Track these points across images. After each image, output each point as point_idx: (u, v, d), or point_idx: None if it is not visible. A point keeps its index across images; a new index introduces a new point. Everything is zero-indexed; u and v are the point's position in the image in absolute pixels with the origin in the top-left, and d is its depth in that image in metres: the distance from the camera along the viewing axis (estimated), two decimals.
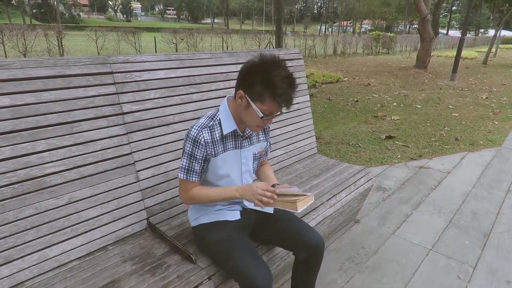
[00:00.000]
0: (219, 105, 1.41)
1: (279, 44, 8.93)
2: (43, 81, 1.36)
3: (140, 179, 1.65)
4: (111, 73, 1.56)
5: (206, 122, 1.35)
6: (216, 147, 1.35)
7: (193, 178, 1.37)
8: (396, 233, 2.52)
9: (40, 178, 1.36)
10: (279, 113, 1.29)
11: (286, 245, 1.55)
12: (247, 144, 1.44)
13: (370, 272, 2.10)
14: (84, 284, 1.32)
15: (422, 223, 2.66)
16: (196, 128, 1.32)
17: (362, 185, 2.35)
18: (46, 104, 1.36)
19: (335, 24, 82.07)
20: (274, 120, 1.37)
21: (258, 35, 18.18)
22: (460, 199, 3.06)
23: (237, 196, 1.34)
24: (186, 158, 1.35)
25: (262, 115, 1.25)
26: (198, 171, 1.36)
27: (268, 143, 1.59)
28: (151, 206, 1.70)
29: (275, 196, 1.28)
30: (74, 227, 1.45)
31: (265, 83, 1.21)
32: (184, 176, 1.36)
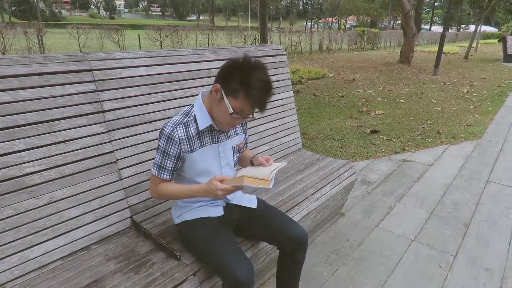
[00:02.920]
0: None
1: (264, 41, 8.92)
2: (19, 79, 1.33)
3: (122, 178, 1.64)
4: (90, 70, 1.53)
5: (180, 118, 1.35)
6: (192, 143, 1.35)
7: (164, 176, 1.37)
8: (380, 225, 2.56)
9: (19, 178, 1.33)
10: (250, 116, 1.30)
11: (270, 240, 1.57)
12: (224, 138, 1.45)
13: (355, 264, 2.14)
14: (67, 284, 1.31)
15: (405, 215, 2.72)
16: (171, 125, 1.32)
17: (346, 179, 2.39)
18: (23, 103, 1.34)
19: (321, 20, 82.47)
20: (258, 116, 1.37)
21: (243, 32, 18.12)
22: (441, 191, 3.14)
23: (200, 196, 1.35)
24: (159, 154, 1.35)
25: (232, 111, 1.25)
26: (170, 168, 1.36)
27: (246, 135, 1.59)
28: (134, 204, 1.69)
29: (233, 189, 1.28)
30: (56, 227, 1.43)
31: (242, 80, 1.22)
32: (156, 172, 1.37)
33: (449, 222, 2.64)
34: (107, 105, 1.58)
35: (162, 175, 1.37)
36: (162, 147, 1.34)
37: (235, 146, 1.50)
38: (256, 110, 1.28)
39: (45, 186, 1.40)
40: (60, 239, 1.45)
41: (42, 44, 12.72)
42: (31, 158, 1.36)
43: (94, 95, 1.54)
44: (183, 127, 1.33)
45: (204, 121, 1.35)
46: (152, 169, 1.38)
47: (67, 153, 1.45)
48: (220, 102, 1.28)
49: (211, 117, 1.36)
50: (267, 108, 1.29)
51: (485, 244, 2.37)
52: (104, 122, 1.57)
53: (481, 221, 2.65)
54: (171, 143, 1.32)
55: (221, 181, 1.27)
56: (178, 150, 1.33)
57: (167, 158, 1.34)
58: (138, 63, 1.72)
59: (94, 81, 1.55)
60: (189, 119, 1.35)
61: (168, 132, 1.31)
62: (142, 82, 1.72)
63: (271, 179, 1.28)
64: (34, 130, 1.37)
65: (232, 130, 1.48)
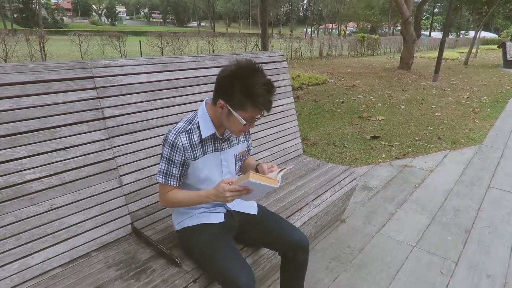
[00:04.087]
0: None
1: (264, 47, 8.97)
2: (21, 87, 1.34)
3: (123, 184, 1.64)
4: (92, 77, 1.55)
5: (184, 126, 1.35)
6: (195, 150, 1.36)
7: (172, 182, 1.37)
8: (381, 232, 2.56)
9: (20, 185, 1.34)
10: (259, 116, 1.30)
11: (271, 246, 1.56)
12: (227, 146, 1.45)
13: (356, 271, 2.13)
14: None
15: (406, 221, 2.71)
16: (174, 132, 1.33)
17: (347, 184, 2.38)
18: (24, 110, 1.35)
19: (321, 26, 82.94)
20: (258, 122, 1.38)
21: (244, 38, 18.23)
22: (442, 197, 3.13)
23: (209, 201, 1.33)
24: (164, 162, 1.35)
25: (245, 123, 1.27)
26: (176, 175, 1.37)
27: (249, 142, 1.60)
28: (135, 211, 1.69)
29: (246, 191, 1.26)
30: (56, 234, 1.43)
31: (244, 92, 1.21)
32: (163, 180, 1.37)
33: (450, 228, 2.63)
34: (108, 112, 1.59)
35: (169, 182, 1.37)
36: (167, 155, 1.34)
37: (237, 154, 1.50)
38: (264, 111, 1.28)
39: (45, 193, 1.40)
40: (61, 246, 1.45)
41: (44, 51, 12.81)
42: (32, 165, 1.37)
43: (95, 102, 1.55)
44: (186, 135, 1.34)
45: (207, 130, 1.36)
46: (157, 178, 1.38)
47: (68, 160, 1.46)
48: (230, 116, 1.28)
49: (215, 125, 1.37)
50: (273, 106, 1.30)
51: (486, 251, 2.36)
52: (105, 128, 1.58)
53: (483, 227, 2.64)
54: (175, 151, 1.32)
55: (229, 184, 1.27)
56: (183, 157, 1.34)
57: (172, 165, 1.35)
58: (139, 70, 1.73)
59: (95, 88, 1.56)
60: (192, 126, 1.36)
61: (171, 140, 1.32)
62: (143, 89, 1.73)
63: (278, 180, 1.28)
64: (35, 137, 1.37)
65: (235, 139, 1.49)
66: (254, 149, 2.36)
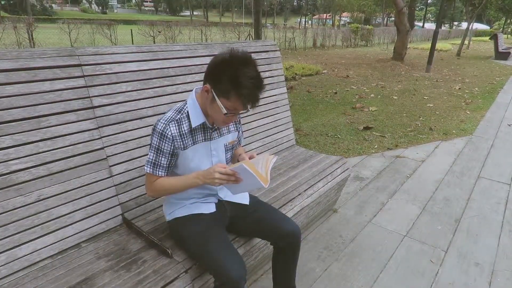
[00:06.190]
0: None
1: (258, 37, 8.88)
2: (5, 74, 1.30)
3: (113, 174, 1.61)
4: (80, 65, 1.50)
5: (173, 115, 1.33)
6: (184, 140, 1.34)
7: (160, 173, 1.35)
8: (372, 221, 2.58)
9: (6, 176, 1.31)
10: (244, 111, 1.28)
11: (263, 236, 1.56)
12: (216, 135, 1.43)
13: (347, 260, 2.15)
14: (57, 282, 1.29)
15: (398, 211, 2.74)
16: (163, 122, 1.31)
17: (339, 175, 2.39)
18: (9, 98, 1.31)
19: (315, 16, 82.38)
20: (250, 112, 1.36)
21: (237, 28, 18.01)
22: (433, 187, 3.16)
23: (199, 183, 1.31)
24: (153, 152, 1.33)
25: (225, 112, 1.25)
26: (165, 165, 1.35)
27: (239, 132, 1.58)
28: (125, 202, 1.67)
29: (234, 178, 1.26)
30: (45, 225, 1.41)
31: (231, 81, 1.19)
32: (151, 170, 1.34)
33: (441, 217, 2.66)
34: (97, 101, 1.56)
35: (157, 172, 1.35)
36: (155, 144, 1.32)
37: (227, 144, 1.48)
38: (249, 105, 1.26)
39: (33, 183, 1.37)
40: (49, 237, 1.43)
41: (33, 39, 12.52)
42: (19, 155, 1.33)
43: (84, 90, 1.52)
44: (176, 124, 1.31)
45: (197, 119, 1.34)
46: (146, 168, 1.35)
47: (56, 150, 1.43)
48: (213, 102, 1.26)
49: (205, 114, 1.35)
50: (259, 103, 1.28)
51: (475, 240, 2.40)
52: (94, 118, 1.54)
53: (472, 217, 2.68)
54: (164, 140, 1.30)
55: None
56: (172, 147, 1.32)
57: (161, 155, 1.33)
58: (129, 58, 1.69)
59: (83, 76, 1.52)
60: (182, 116, 1.33)
61: (160, 129, 1.30)
62: (133, 78, 1.69)
63: (268, 180, 1.27)
64: (21, 126, 1.34)
65: (225, 128, 1.47)
66: (247, 139, 2.34)
